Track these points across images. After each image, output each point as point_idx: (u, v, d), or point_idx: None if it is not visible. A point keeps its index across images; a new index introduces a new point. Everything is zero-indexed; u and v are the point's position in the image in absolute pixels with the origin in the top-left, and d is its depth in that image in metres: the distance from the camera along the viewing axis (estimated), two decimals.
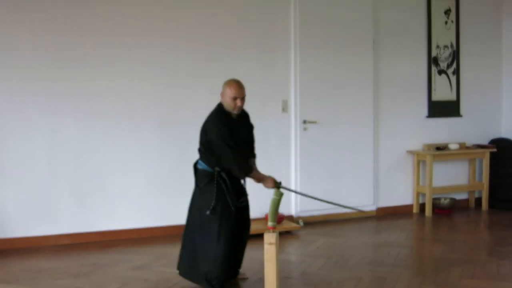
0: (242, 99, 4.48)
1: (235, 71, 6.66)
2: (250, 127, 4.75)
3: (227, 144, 4.34)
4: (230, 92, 4.43)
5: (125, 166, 6.41)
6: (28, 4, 5.98)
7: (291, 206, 7.11)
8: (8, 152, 6.01)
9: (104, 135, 6.31)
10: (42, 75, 6.06)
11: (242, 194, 4.64)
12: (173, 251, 5.57)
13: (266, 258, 3.70)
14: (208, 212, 4.39)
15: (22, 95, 6.02)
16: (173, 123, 6.55)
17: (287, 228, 6.62)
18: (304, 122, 7.13)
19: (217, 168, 4.44)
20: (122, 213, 6.41)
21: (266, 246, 3.69)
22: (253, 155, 4.81)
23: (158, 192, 6.52)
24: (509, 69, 8.39)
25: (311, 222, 7.14)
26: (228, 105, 4.47)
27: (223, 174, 4.42)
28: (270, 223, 3.83)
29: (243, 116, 4.69)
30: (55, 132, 6.13)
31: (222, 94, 4.52)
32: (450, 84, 8.11)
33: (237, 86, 4.45)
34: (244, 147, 4.57)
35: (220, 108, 4.55)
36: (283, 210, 6.80)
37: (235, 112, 4.49)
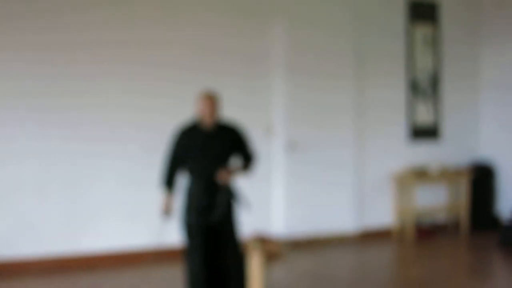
0: (211, 109, 4.40)
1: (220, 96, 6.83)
2: (227, 140, 4.53)
3: (168, 155, 4.59)
4: (200, 105, 4.42)
5: (112, 189, 6.48)
6: (18, 33, 6.11)
7: (276, 227, 7.19)
8: None
9: (91, 159, 6.39)
10: (31, 104, 6.17)
11: (214, 209, 4.41)
12: (160, 273, 5.65)
13: (251, 279, 3.77)
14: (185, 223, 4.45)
15: (12, 123, 6.13)
16: (159, 148, 6.61)
17: (272, 250, 6.70)
18: (289, 145, 7.24)
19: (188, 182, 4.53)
20: (109, 235, 6.46)
21: (251, 267, 3.77)
22: (244, 162, 4.64)
23: (145, 215, 6.57)
24: (487, 92, 8.60)
25: (296, 244, 7.23)
26: (201, 119, 4.44)
27: (194, 184, 4.46)
28: (254, 248, 3.88)
29: (222, 129, 4.52)
30: (43, 157, 6.21)
31: (196, 106, 4.53)
32: (430, 108, 8.30)
33: (207, 98, 4.41)
34: (209, 158, 4.42)
35: (191, 121, 4.56)
36: (267, 231, 6.94)
37: (206, 122, 4.42)
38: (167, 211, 4.52)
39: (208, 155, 4.40)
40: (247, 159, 4.64)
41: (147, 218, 6.57)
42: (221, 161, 4.45)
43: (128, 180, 6.55)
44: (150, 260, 6.41)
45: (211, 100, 4.40)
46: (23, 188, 6.15)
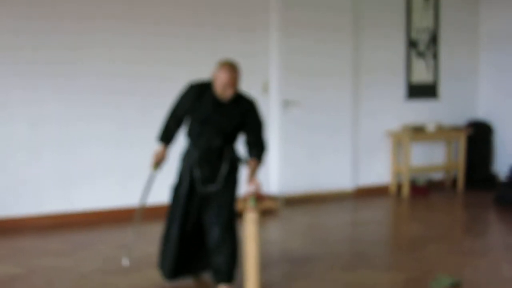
0: (232, 87, 3.92)
1: (215, 52, 6.75)
2: (238, 113, 4.05)
3: (173, 109, 4.23)
4: (220, 79, 3.90)
5: (107, 145, 6.44)
6: None
7: (272, 184, 7.19)
8: None
9: (87, 114, 6.32)
10: (23, 56, 6.05)
11: (211, 181, 4.11)
12: (155, 230, 5.65)
13: (247, 236, 3.75)
14: (173, 189, 4.25)
15: (3, 76, 6.01)
16: (155, 101, 6.57)
17: (268, 207, 6.71)
18: (285, 103, 7.20)
19: (188, 144, 4.24)
20: (105, 192, 6.45)
21: (246, 224, 3.75)
22: (253, 150, 4.14)
23: (141, 171, 6.53)
24: (486, 52, 8.51)
25: (291, 201, 7.25)
26: (216, 90, 3.96)
27: (191, 150, 4.17)
28: (251, 206, 3.85)
29: (236, 102, 4.04)
30: (37, 112, 6.13)
31: (213, 75, 3.97)
32: (429, 67, 8.22)
33: (229, 74, 3.88)
34: (214, 128, 4.03)
35: (207, 85, 4.07)
36: (263, 188, 6.93)
37: (224, 96, 3.96)
38: (158, 163, 4.30)
39: (213, 124, 4.01)
40: (258, 146, 4.13)
41: (141, 178, 6.55)
42: (225, 135, 4.06)
43: (122, 140, 6.51)
44: (145, 217, 6.41)
45: (234, 73, 3.90)
46: (16, 148, 6.10)
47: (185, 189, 4.13)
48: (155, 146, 6.25)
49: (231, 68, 3.92)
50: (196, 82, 4.16)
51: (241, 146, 4.30)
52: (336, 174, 7.60)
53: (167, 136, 4.27)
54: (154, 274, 4.54)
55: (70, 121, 6.28)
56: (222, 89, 3.91)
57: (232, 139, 4.15)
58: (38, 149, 6.17)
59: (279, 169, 7.12)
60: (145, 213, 6.52)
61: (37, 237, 5.75)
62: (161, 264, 4.30)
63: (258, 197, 3.93)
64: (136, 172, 6.55)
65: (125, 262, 4.26)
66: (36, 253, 5.18)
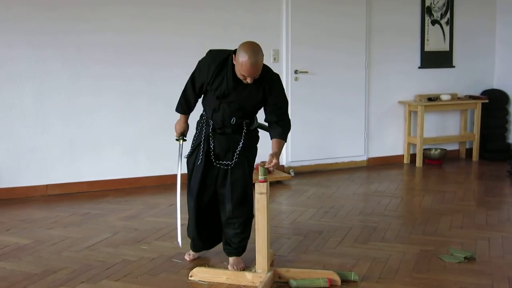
0: (252, 77, 3.61)
1: (225, 19, 6.62)
2: (258, 91, 3.77)
3: (190, 82, 3.94)
4: (241, 68, 3.57)
5: (115, 115, 6.36)
6: None
7: (282, 156, 7.10)
8: None
9: (94, 84, 6.23)
10: (30, 27, 5.93)
11: (226, 155, 3.94)
12: (163, 201, 5.59)
13: (257, 207, 3.68)
14: (185, 157, 4.09)
15: (12, 46, 5.90)
16: (164, 72, 6.47)
17: (278, 178, 6.63)
18: (296, 72, 7.08)
19: (204, 113, 4.04)
20: (112, 163, 6.39)
21: (257, 196, 3.67)
22: (276, 130, 3.86)
23: (149, 142, 6.49)
24: (503, 20, 8.30)
25: (302, 172, 7.17)
26: (237, 73, 3.67)
27: (210, 122, 3.94)
28: (261, 177, 3.77)
29: (260, 79, 3.71)
30: (44, 82, 6.04)
31: (235, 58, 3.62)
32: (444, 35, 8.04)
33: (251, 66, 3.53)
34: (233, 105, 3.79)
35: (227, 57, 3.75)
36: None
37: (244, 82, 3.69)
38: (181, 133, 4.12)
39: (231, 101, 3.78)
40: (281, 126, 3.85)
41: (148, 149, 6.48)
42: (244, 112, 3.85)
43: (129, 112, 6.43)
44: (153, 188, 6.36)
45: (256, 64, 3.55)
46: (24, 120, 6.01)
47: (202, 160, 3.96)
48: (162, 117, 6.24)
49: (253, 58, 3.53)
50: (216, 52, 3.86)
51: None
52: (348, 145, 7.51)
53: (185, 107, 4.05)
54: (163, 246, 4.50)
55: (77, 92, 6.18)
56: (241, 77, 3.64)
57: (251, 115, 3.95)
58: (45, 121, 6.09)
59: (290, 140, 7.01)
60: (153, 184, 6.50)
61: (44, 207, 5.70)
62: (188, 234, 4.25)
63: (269, 170, 3.84)
64: (142, 143, 6.48)
65: (179, 242, 4.21)
66: (44, 223, 5.13)
